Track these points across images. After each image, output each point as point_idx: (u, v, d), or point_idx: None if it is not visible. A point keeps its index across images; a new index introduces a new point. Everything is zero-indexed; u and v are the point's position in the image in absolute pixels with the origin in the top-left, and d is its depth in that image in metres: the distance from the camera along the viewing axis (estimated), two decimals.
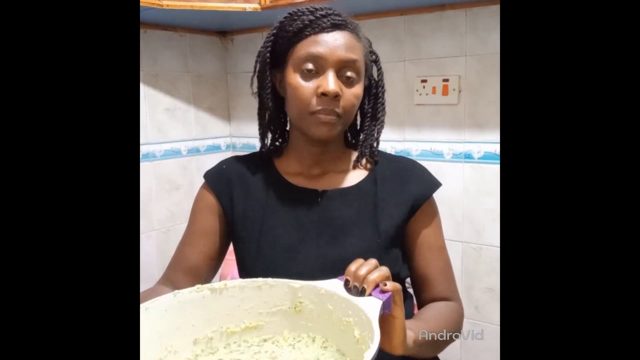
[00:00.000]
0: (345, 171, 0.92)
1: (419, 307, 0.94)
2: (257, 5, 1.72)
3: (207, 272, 0.92)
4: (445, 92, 1.81)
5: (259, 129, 0.94)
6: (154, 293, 0.79)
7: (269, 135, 0.95)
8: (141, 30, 1.95)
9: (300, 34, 0.81)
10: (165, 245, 2.06)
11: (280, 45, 0.85)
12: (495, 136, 1.73)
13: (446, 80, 1.80)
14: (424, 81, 1.84)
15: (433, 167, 1.90)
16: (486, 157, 1.78)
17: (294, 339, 0.70)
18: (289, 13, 0.85)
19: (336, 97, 0.80)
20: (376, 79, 0.91)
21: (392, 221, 0.87)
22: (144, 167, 1.96)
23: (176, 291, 0.68)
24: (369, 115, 0.92)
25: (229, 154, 2.47)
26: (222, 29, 2.26)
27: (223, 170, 0.93)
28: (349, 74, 0.81)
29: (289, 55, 0.83)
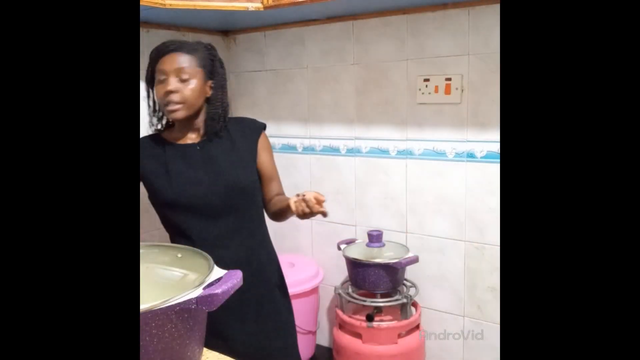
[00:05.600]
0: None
1: None
2: (259, 5, 1.72)
3: None
4: (447, 91, 1.80)
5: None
6: None
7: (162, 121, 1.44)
8: (144, 30, 1.95)
9: (154, 61, 1.33)
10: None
11: (150, 69, 1.35)
12: (498, 135, 1.73)
13: (449, 79, 1.80)
14: (426, 80, 1.84)
15: (435, 166, 1.92)
16: (489, 157, 1.77)
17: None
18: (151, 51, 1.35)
19: (175, 92, 1.27)
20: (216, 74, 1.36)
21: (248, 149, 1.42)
22: None
23: None
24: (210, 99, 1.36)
25: None
26: (225, 29, 2.26)
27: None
28: (183, 76, 1.27)
29: (154, 75, 1.34)
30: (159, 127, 1.45)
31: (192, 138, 1.37)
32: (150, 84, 1.37)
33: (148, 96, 1.41)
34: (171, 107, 1.28)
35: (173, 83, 1.27)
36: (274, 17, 1.98)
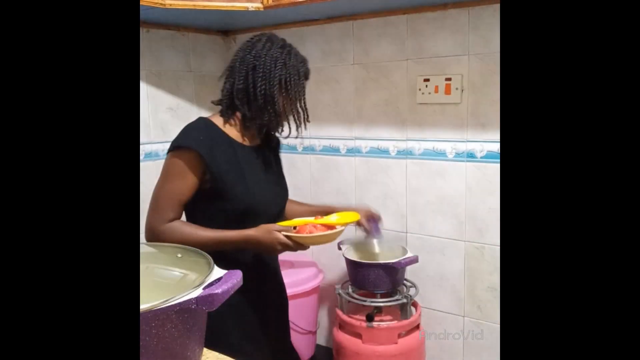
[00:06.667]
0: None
1: None
2: (259, 5, 1.72)
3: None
4: (447, 91, 1.80)
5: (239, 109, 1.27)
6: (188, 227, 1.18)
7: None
8: (144, 30, 1.95)
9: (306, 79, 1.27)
10: None
11: (293, 75, 1.24)
12: (498, 135, 1.73)
13: (449, 79, 1.80)
14: (426, 80, 1.84)
15: (435, 166, 1.92)
16: (489, 157, 1.77)
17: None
18: (302, 59, 1.29)
19: None
20: None
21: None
22: (148, 166, 1.97)
23: None
24: None
25: None
26: (225, 28, 2.26)
27: (204, 139, 1.20)
28: None
29: (295, 87, 1.24)
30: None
31: (254, 141, 1.29)
32: (296, 88, 1.25)
33: (277, 97, 1.25)
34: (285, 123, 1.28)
35: None
36: (274, 17, 1.97)
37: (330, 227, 1.22)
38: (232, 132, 1.26)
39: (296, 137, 1.32)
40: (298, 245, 1.19)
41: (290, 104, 1.25)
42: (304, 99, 1.28)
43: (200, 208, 1.20)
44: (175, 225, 1.16)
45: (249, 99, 1.23)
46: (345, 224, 1.26)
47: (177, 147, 1.17)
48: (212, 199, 1.20)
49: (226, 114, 1.26)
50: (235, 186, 1.20)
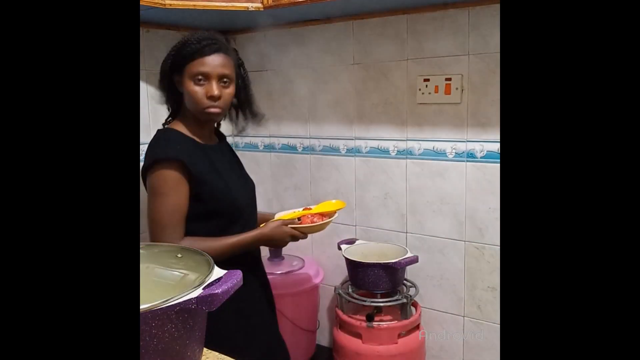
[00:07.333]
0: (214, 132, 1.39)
1: None
2: (259, 5, 1.72)
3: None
4: (447, 91, 1.80)
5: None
6: (208, 241, 1.17)
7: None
8: (144, 30, 1.95)
9: (191, 57, 1.21)
10: None
11: (179, 61, 1.23)
12: (498, 135, 1.73)
13: (449, 79, 1.80)
14: (426, 80, 1.84)
15: (435, 166, 1.92)
16: (489, 157, 1.77)
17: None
18: (183, 42, 1.23)
19: (219, 97, 1.22)
20: (243, 78, 1.34)
21: None
22: None
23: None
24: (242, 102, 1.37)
25: None
26: (225, 28, 2.26)
27: (181, 147, 1.22)
28: (224, 81, 1.23)
29: (185, 69, 1.22)
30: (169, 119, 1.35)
31: (213, 139, 1.33)
32: (174, 72, 1.25)
33: (167, 87, 1.29)
34: (213, 110, 1.22)
35: (217, 88, 1.21)
36: (274, 17, 1.97)
37: (324, 216, 1.38)
38: (191, 133, 1.26)
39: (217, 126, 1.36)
40: (304, 235, 1.30)
41: (187, 84, 1.21)
42: (200, 74, 1.20)
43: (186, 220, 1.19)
44: (189, 243, 1.15)
45: (165, 97, 1.30)
46: (336, 211, 1.41)
47: (159, 160, 1.17)
48: (197, 206, 1.19)
49: (177, 119, 1.29)
50: (217, 188, 1.21)
